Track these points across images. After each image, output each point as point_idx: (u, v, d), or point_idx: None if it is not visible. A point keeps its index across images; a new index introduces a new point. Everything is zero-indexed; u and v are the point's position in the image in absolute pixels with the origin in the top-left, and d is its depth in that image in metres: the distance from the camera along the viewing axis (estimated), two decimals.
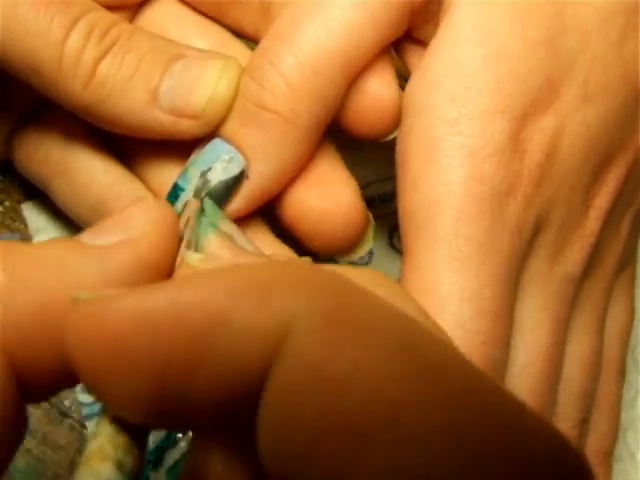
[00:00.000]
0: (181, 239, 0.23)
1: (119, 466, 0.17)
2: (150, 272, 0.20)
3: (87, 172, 0.32)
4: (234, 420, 0.16)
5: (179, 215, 0.26)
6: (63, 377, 0.17)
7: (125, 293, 0.16)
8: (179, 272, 0.20)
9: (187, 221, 0.25)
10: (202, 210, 0.27)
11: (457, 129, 0.29)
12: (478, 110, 0.29)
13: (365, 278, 0.19)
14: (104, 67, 0.29)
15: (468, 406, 0.14)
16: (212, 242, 0.23)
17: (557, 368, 0.31)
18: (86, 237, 0.20)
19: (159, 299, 0.16)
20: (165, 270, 0.20)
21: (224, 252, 0.22)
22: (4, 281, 0.17)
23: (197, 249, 0.22)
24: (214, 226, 0.23)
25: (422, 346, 0.15)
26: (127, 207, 0.21)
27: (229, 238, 0.23)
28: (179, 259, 0.22)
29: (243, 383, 0.15)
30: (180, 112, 0.29)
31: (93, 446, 0.17)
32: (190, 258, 0.20)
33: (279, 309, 0.15)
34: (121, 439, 0.17)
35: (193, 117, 0.29)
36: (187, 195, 0.30)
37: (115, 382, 0.16)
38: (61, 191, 0.33)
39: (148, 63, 0.29)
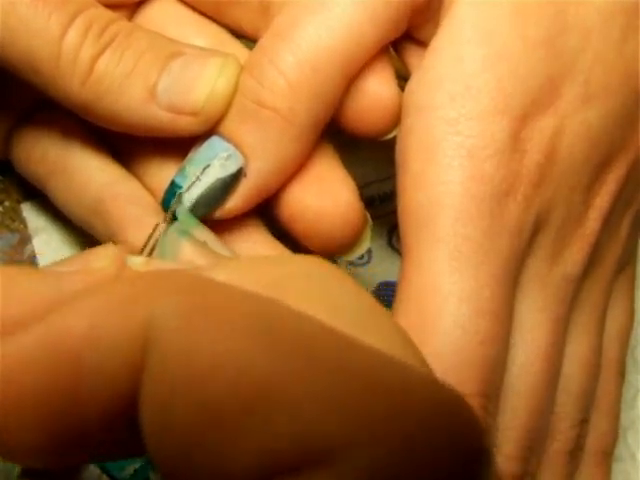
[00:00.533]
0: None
1: None
2: None
3: (84, 171, 0.32)
4: (127, 438, 0.17)
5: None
6: None
7: (6, 336, 0.16)
8: (121, 276, 0.21)
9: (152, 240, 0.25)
10: (175, 219, 0.27)
11: (457, 129, 0.29)
12: (478, 110, 0.29)
13: (299, 267, 0.20)
14: (102, 64, 0.29)
15: (333, 370, 0.15)
16: (185, 250, 0.23)
17: (556, 368, 0.31)
18: (51, 267, 0.21)
19: (31, 337, 0.16)
20: None
21: (198, 259, 0.22)
22: None
23: (165, 257, 0.23)
24: (187, 234, 0.23)
25: (281, 324, 0.16)
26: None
27: (203, 245, 0.23)
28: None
29: (121, 397, 0.16)
30: (178, 109, 0.29)
31: None
32: (132, 262, 0.21)
33: (137, 319, 0.16)
34: None
35: (192, 114, 0.29)
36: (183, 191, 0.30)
37: (11, 429, 0.16)
38: (58, 190, 0.33)
39: (146, 60, 0.29)
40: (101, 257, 0.21)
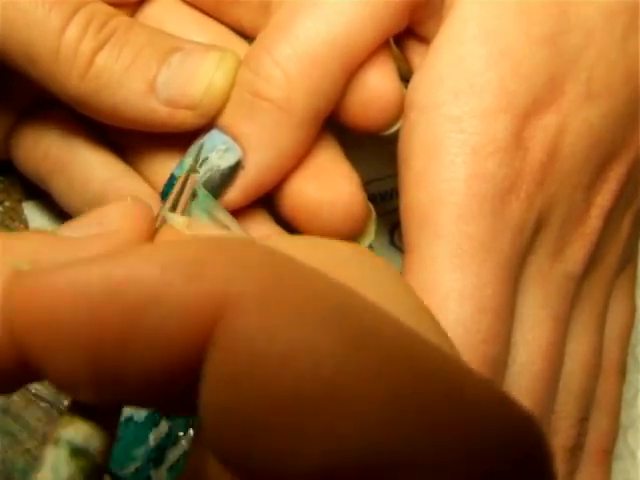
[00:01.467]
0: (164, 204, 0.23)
1: (76, 452, 0.17)
2: None
3: (86, 168, 0.32)
4: (177, 398, 0.16)
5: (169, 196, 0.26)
6: (21, 364, 0.17)
7: (63, 266, 0.16)
8: (159, 234, 0.20)
9: (177, 191, 0.25)
10: (195, 197, 0.27)
11: (460, 127, 0.29)
12: (481, 108, 0.29)
13: (347, 252, 0.19)
14: (101, 58, 0.29)
15: (408, 374, 0.14)
16: (205, 228, 0.22)
17: (557, 367, 0.31)
18: (63, 230, 0.20)
19: (93, 274, 0.16)
20: None
21: (210, 229, 0.22)
22: None
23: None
24: (207, 212, 0.23)
25: (360, 317, 0.15)
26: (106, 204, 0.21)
27: (223, 226, 0.23)
28: (159, 221, 0.21)
29: (176, 361, 0.15)
30: (177, 103, 0.29)
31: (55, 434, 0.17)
32: (174, 220, 0.20)
33: (212, 288, 0.15)
34: (79, 423, 0.17)
35: (190, 108, 0.30)
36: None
37: (53, 356, 0.16)
38: (60, 187, 0.33)
39: (145, 55, 0.29)
40: (116, 217, 0.20)
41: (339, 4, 0.29)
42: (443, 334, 0.19)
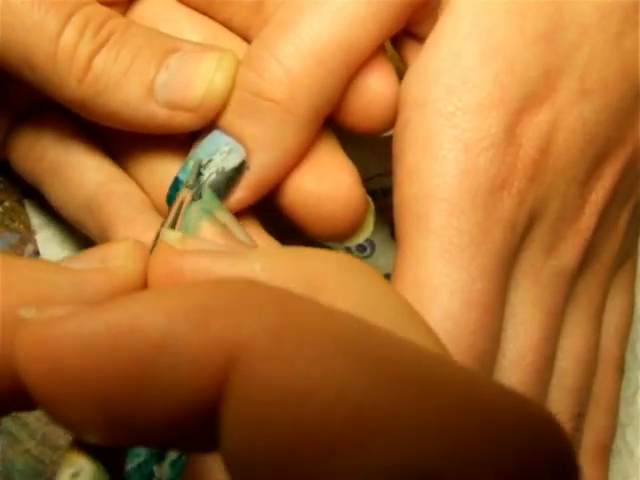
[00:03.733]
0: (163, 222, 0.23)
1: None
2: None
3: (80, 171, 0.32)
4: (191, 438, 0.16)
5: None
6: (17, 392, 0.17)
7: (68, 315, 0.16)
8: (155, 252, 0.20)
9: (175, 208, 0.25)
10: (199, 197, 0.27)
11: (453, 122, 0.29)
12: (474, 104, 0.29)
13: (333, 262, 0.19)
14: (99, 61, 0.29)
15: (432, 394, 0.14)
16: (205, 229, 0.22)
17: (548, 361, 0.31)
18: (64, 263, 0.20)
19: (99, 323, 0.15)
20: None
21: (218, 240, 0.22)
22: None
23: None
24: (209, 213, 0.23)
25: (371, 342, 0.15)
26: (106, 243, 0.21)
27: (223, 227, 0.23)
28: (164, 229, 0.22)
29: (189, 407, 0.15)
30: (176, 105, 0.29)
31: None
32: (168, 237, 0.20)
33: (219, 335, 0.15)
34: (83, 461, 0.17)
35: (189, 110, 0.30)
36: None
37: (60, 404, 0.16)
38: (54, 190, 0.33)
39: (143, 57, 0.29)
40: (119, 254, 0.20)
41: (342, 3, 0.29)
42: (434, 337, 0.19)
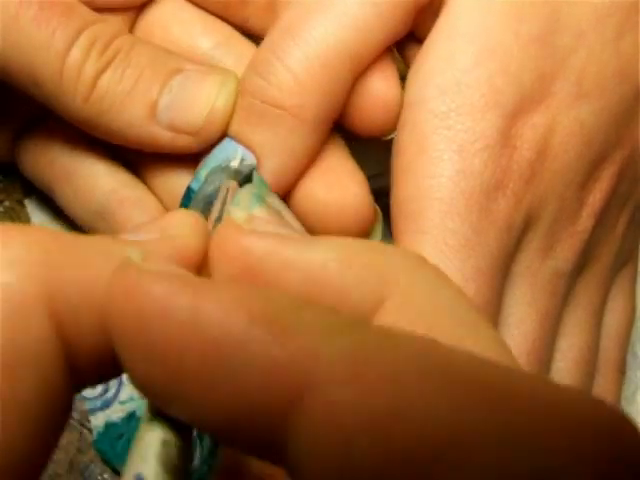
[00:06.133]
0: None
1: (163, 461, 0.17)
2: (187, 268, 0.20)
3: (92, 177, 0.33)
4: (254, 441, 0.16)
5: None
6: (107, 358, 0.17)
7: (163, 276, 0.16)
8: (220, 229, 0.20)
9: (222, 197, 0.25)
10: (249, 182, 0.26)
11: (447, 123, 0.29)
12: (468, 105, 0.29)
13: (408, 260, 0.19)
14: (104, 81, 0.29)
15: (515, 410, 0.14)
16: (260, 214, 0.22)
17: (543, 362, 0.31)
18: (125, 235, 0.20)
19: (182, 301, 0.16)
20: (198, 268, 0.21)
21: (274, 228, 0.21)
22: (53, 255, 0.17)
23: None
24: (262, 199, 0.22)
25: (451, 363, 0.15)
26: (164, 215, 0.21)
27: (277, 213, 0.22)
28: (212, 219, 0.22)
29: (255, 412, 0.15)
30: (178, 128, 0.30)
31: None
32: (236, 214, 0.20)
33: (297, 353, 0.15)
34: (161, 433, 0.17)
35: (191, 134, 0.30)
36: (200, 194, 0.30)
37: (132, 356, 0.16)
38: (65, 195, 0.33)
39: (147, 77, 0.30)
40: (179, 225, 0.20)
41: (347, 7, 0.29)
42: (501, 342, 0.19)
